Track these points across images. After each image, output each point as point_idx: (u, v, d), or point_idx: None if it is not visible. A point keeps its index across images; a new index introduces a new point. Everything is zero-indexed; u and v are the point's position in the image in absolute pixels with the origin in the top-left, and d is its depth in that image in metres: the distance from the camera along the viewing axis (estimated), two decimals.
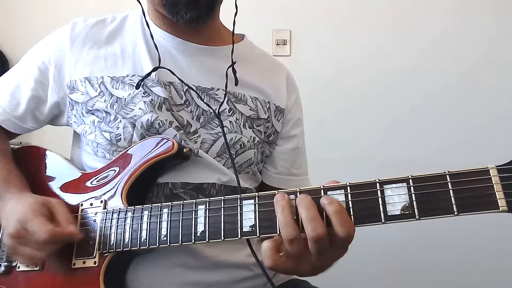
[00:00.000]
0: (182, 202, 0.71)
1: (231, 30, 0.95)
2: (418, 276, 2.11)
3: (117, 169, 0.82)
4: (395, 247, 2.12)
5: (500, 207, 0.51)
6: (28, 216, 0.74)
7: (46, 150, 0.94)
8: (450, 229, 2.06)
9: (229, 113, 0.90)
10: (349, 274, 2.04)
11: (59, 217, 0.76)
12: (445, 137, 2.15)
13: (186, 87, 0.88)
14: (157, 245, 0.71)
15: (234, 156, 0.88)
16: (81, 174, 0.87)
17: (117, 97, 0.86)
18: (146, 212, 0.73)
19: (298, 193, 0.62)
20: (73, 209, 0.81)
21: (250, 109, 0.92)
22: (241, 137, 0.89)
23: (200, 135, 0.87)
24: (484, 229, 2.03)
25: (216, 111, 0.87)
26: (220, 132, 0.87)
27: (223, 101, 0.89)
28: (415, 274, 2.11)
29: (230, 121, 0.89)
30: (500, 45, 2.23)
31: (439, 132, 2.17)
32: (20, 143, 1.03)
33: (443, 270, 2.09)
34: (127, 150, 0.83)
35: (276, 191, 0.64)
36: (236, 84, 0.92)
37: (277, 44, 2.26)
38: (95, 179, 0.84)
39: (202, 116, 0.88)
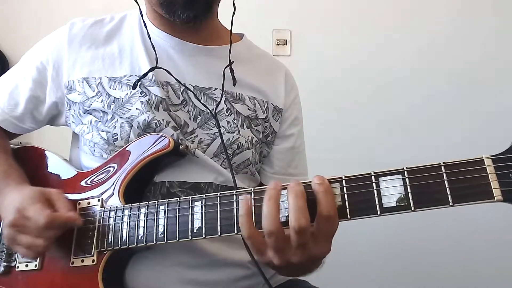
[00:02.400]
0: (178, 199, 0.71)
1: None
2: (418, 276, 2.11)
3: (114, 167, 0.82)
4: (395, 247, 2.12)
5: (495, 197, 0.51)
6: (26, 203, 0.75)
7: (45, 150, 0.94)
8: (450, 230, 2.07)
9: (227, 113, 0.89)
10: (349, 274, 2.04)
11: (58, 205, 0.77)
12: (445, 137, 2.15)
13: (183, 87, 0.88)
14: (154, 242, 0.71)
15: (232, 156, 0.88)
16: (78, 173, 0.87)
17: (114, 97, 0.86)
18: (143, 210, 0.74)
19: None
20: (71, 208, 0.81)
21: (248, 109, 0.92)
22: (239, 137, 0.89)
23: (197, 135, 0.87)
24: (484, 227, 2.04)
25: (213, 111, 0.87)
26: (217, 132, 0.86)
27: (220, 101, 0.88)
28: (415, 274, 2.10)
29: (227, 121, 0.89)
30: (500, 45, 2.23)
31: (439, 132, 2.17)
32: (20, 143, 1.03)
33: (443, 270, 2.09)
34: (124, 148, 0.83)
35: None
36: (234, 84, 0.92)
37: (277, 44, 2.26)
38: (92, 177, 0.84)
39: (199, 116, 0.88)
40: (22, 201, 0.75)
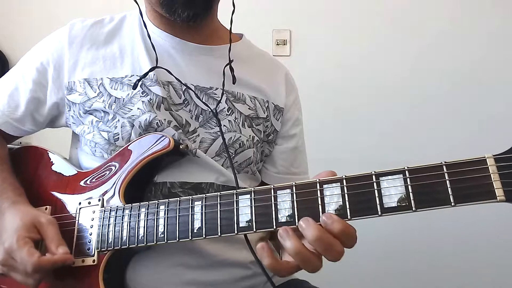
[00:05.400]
0: (178, 198, 0.71)
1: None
2: (418, 276, 2.11)
3: (115, 166, 0.82)
4: (395, 247, 2.12)
5: (498, 197, 0.50)
6: (14, 245, 0.73)
7: (45, 150, 0.94)
8: (451, 230, 2.06)
9: (228, 112, 0.89)
10: (349, 274, 2.04)
11: (48, 241, 0.74)
12: (445, 137, 2.15)
13: (185, 87, 0.88)
14: (155, 242, 0.71)
15: (233, 156, 0.88)
16: (78, 172, 0.87)
17: (115, 97, 0.85)
18: (143, 210, 0.73)
19: (294, 187, 0.62)
20: (71, 208, 0.82)
21: (249, 108, 0.92)
22: (240, 136, 0.89)
23: (199, 135, 0.87)
24: (485, 228, 2.03)
25: (214, 110, 0.87)
26: (218, 131, 0.86)
27: (220, 99, 0.89)
28: (415, 275, 2.10)
29: (229, 120, 0.89)
30: (500, 45, 2.22)
31: (439, 133, 2.17)
32: (20, 143, 1.03)
33: (444, 271, 2.09)
34: (125, 147, 0.83)
35: (272, 186, 0.64)
36: (234, 83, 0.92)
37: (277, 44, 2.27)
38: (93, 177, 0.84)
39: (201, 116, 0.88)
40: (11, 241, 0.73)
